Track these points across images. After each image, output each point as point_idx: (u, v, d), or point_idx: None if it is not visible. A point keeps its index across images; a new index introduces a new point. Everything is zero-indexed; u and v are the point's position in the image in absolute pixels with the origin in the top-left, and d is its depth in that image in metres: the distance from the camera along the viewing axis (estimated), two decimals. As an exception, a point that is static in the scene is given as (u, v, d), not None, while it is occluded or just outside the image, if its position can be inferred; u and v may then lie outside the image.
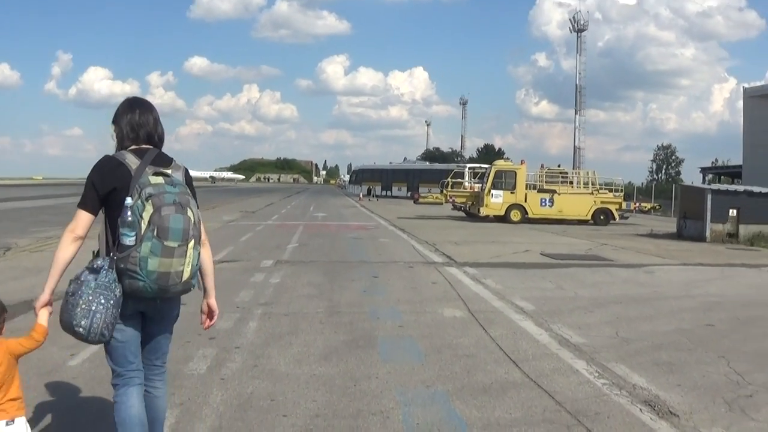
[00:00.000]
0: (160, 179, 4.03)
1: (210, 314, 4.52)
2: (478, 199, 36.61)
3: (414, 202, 51.97)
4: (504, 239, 24.15)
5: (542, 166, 38.91)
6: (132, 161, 4.07)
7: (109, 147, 4.33)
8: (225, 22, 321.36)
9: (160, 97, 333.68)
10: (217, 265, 14.96)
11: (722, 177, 77.18)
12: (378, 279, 13.69)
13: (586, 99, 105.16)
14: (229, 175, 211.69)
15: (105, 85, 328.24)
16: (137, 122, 4.25)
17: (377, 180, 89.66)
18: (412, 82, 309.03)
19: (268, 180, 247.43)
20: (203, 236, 4.24)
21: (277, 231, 25.96)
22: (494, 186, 35.22)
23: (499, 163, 38.01)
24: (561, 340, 8.56)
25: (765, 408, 6.15)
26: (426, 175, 78.12)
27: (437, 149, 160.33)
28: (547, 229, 30.18)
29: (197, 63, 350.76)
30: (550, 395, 6.33)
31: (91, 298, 3.85)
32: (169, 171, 4.15)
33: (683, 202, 28.99)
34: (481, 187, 36.81)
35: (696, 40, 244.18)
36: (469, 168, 60.18)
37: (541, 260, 17.76)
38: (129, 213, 3.85)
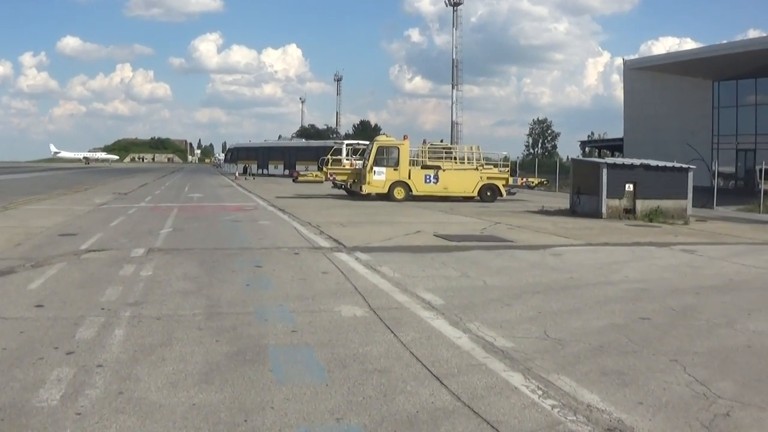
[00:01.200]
0: None
1: None
2: (359, 176, 35.39)
3: (293, 181, 50.44)
4: (392, 219, 23.12)
5: (425, 142, 38.04)
6: None
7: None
8: (97, 1, 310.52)
9: (33, 78, 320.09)
10: (83, 255, 13.52)
11: (602, 150, 78.48)
12: (262, 269, 12.31)
13: (461, 74, 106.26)
14: (103, 155, 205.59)
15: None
16: None
17: (253, 158, 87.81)
18: (286, 60, 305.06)
19: (143, 160, 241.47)
20: None
21: (150, 214, 24.11)
22: (376, 163, 34.00)
23: (381, 139, 36.55)
24: (485, 345, 7.33)
25: (752, 431, 5.09)
26: (303, 153, 77.46)
27: (313, 126, 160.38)
28: (433, 207, 29.32)
29: (70, 43, 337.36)
30: (494, 427, 5.08)
31: None
32: None
33: (576, 177, 27.89)
34: (363, 164, 35.59)
35: (569, 14, 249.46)
36: (347, 144, 59.26)
37: (437, 242, 16.69)
38: None
